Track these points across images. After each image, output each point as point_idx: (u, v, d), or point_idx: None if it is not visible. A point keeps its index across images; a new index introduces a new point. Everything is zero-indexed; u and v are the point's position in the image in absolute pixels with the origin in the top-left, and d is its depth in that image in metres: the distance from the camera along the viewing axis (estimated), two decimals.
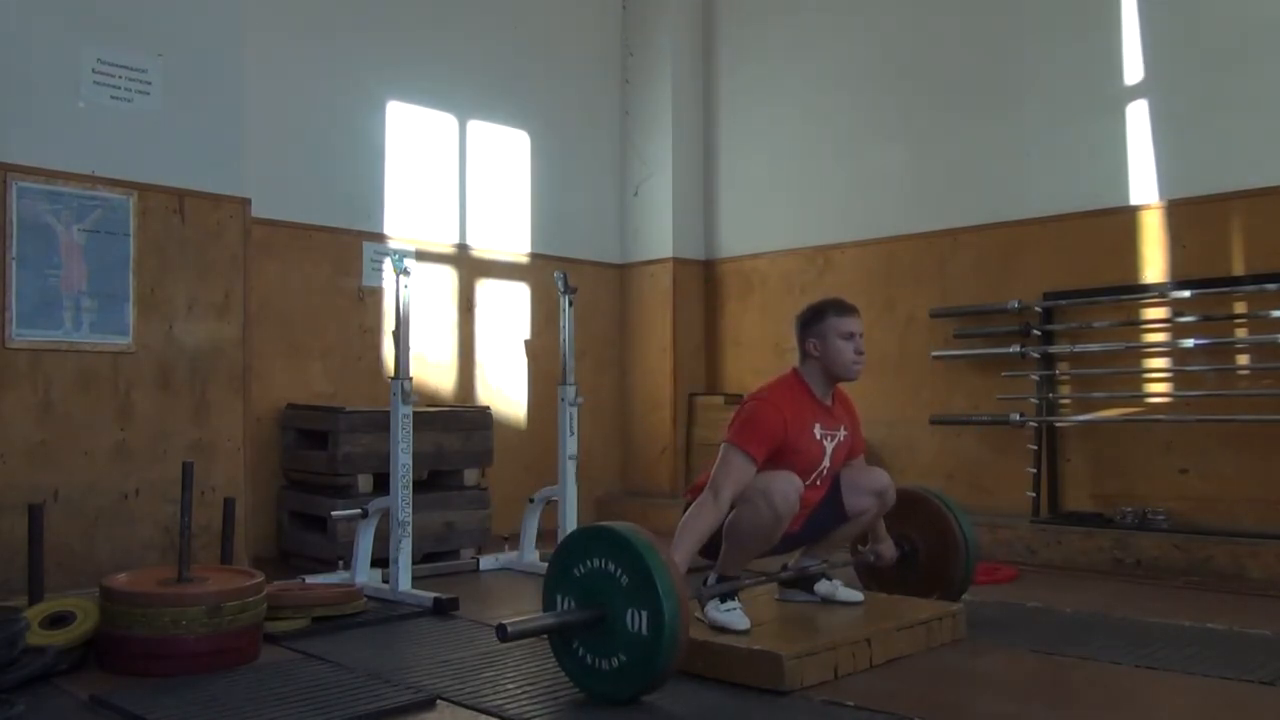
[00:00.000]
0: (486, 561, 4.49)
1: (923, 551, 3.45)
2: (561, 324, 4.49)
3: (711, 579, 2.93)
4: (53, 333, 3.71)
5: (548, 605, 2.59)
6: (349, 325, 5.10)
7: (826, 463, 3.08)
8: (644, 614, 2.38)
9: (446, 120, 5.55)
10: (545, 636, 2.60)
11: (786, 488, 2.83)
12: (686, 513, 2.86)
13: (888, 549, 3.36)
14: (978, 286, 5.11)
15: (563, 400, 4.40)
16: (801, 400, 3.06)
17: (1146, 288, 4.60)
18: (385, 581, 3.80)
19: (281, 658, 2.95)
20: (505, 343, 5.75)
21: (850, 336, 3.07)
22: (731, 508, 2.84)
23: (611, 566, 2.46)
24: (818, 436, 3.05)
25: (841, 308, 3.13)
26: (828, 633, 2.84)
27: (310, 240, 4.97)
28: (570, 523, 4.27)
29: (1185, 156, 4.54)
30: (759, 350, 5.96)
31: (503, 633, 2.43)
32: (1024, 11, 5.07)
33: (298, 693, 2.56)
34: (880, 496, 3.19)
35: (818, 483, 3.10)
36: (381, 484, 4.23)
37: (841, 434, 3.13)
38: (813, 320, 3.12)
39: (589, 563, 2.51)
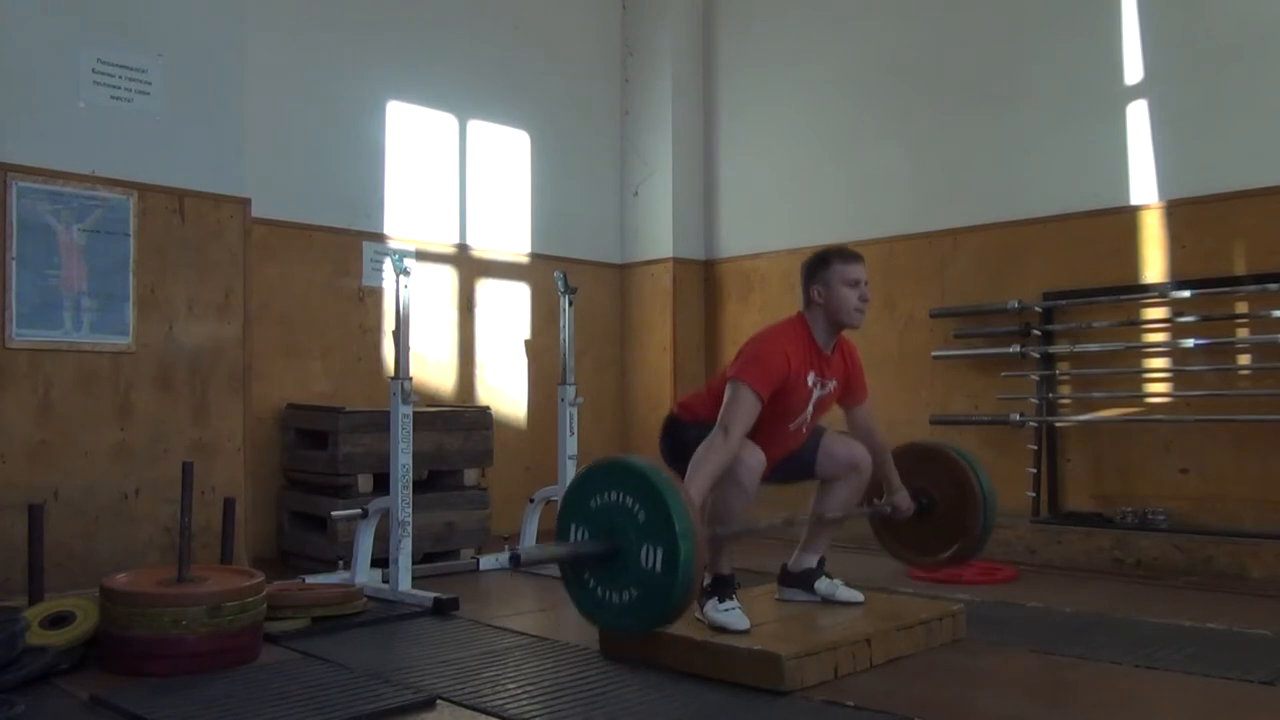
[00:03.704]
0: (486, 561, 4.49)
1: (940, 505, 3.41)
2: (561, 324, 4.50)
3: (706, 580, 2.92)
4: (53, 333, 3.71)
5: (561, 534, 2.57)
6: (349, 325, 5.10)
7: (810, 411, 3.08)
8: (659, 551, 2.35)
9: (446, 120, 5.55)
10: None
11: (753, 463, 2.86)
12: (697, 451, 2.82)
13: (903, 500, 3.34)
14: (978, 286, 5.11)
15: (563, 400, 4.41)
16: (803, 345, 3.06)
17: (1146, 288, 4.59)
18: (385, 581, 3.80)
19: (281, 658, 2.95)
20: (505, 343, 5.75)
21: (855, 284, 3.07)
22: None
23: (629, 501, 2.42)
24: (809, 384, 3.05)
25: (846, 255, 3.13)
26: (828, 633, 2.84)
27: (310, 240, 4.97)
28: None
29: (1185, 156, 4.54)
30: None
31: (515, 560, 2.42)
32: (1024, 11, 5.07)
33: (298, 693, 2.56)
34: (855, 469, 3.21)
35: (803, 430, 3.11)
36: (381, 484, 4.23)
37: (831, 386, 3.13)
38: (818, 267, 3.13)
39: (606, 495, 2.47)
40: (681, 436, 3.04)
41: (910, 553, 3.50)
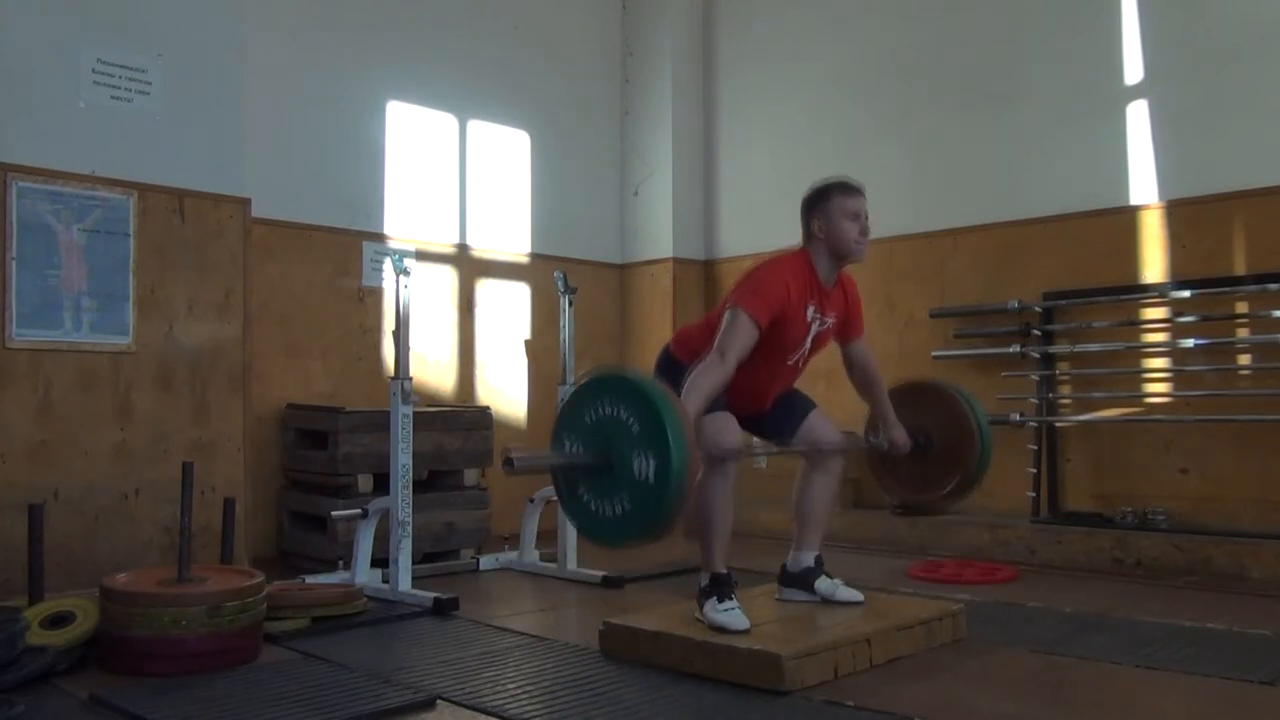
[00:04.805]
0: (486, 561, 4.49)
1: (937, 441, 3.41)
2: (561, 324, 4.50)
3: (703, 580, 2.93)
4: (53, 333, 3.71)
5: (556, 448, 2.56)
6: (349, 325, 5.10)
7: (807, 345, 3.10)
8: (652, 461, 2.33)
9: (446, 120, 5.55)
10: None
11: (727, 445, 2.89)
12: (692, 372, 2.84)
13: (900, 436, 3.34)
14: (978, 286, 5.11)
15: (562, 400, 4.40)
16: (805, 277, 3.06)
17: (1146, 288, 4.59)
18: (385, 581, 3.80)
19: (281, 658, 2.95)
20: (505, 343, 5.75)
21: (856, 216, 3.07)
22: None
23: (623, 414, 2.40)
24: (808, 318, 3.06)
25: (847, 188, 3.13)
26: (828, 633, 2.83)
27: (310, 240, 4.97)
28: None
29: (1185, 156, 4.54)
30: None
31: (509, 465, 2.41)
32: (1024, 11, 5.07)
33: (298, 693, 2.56)
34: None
35: (799, 365, 3.13)
36: (381, 484, 4.23)
37: (830, 322, 3.14)
38: (818, 200, 3.13)
39: (601, 410, 2.45)
40: (676, 379, 3.02)
41: (908, 490, 3.51)
